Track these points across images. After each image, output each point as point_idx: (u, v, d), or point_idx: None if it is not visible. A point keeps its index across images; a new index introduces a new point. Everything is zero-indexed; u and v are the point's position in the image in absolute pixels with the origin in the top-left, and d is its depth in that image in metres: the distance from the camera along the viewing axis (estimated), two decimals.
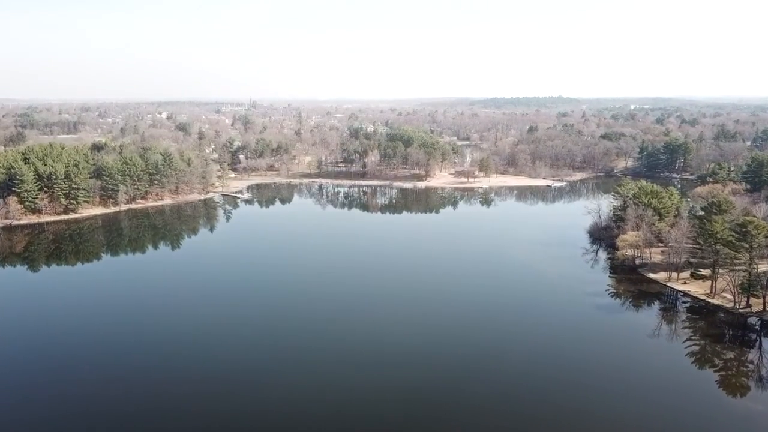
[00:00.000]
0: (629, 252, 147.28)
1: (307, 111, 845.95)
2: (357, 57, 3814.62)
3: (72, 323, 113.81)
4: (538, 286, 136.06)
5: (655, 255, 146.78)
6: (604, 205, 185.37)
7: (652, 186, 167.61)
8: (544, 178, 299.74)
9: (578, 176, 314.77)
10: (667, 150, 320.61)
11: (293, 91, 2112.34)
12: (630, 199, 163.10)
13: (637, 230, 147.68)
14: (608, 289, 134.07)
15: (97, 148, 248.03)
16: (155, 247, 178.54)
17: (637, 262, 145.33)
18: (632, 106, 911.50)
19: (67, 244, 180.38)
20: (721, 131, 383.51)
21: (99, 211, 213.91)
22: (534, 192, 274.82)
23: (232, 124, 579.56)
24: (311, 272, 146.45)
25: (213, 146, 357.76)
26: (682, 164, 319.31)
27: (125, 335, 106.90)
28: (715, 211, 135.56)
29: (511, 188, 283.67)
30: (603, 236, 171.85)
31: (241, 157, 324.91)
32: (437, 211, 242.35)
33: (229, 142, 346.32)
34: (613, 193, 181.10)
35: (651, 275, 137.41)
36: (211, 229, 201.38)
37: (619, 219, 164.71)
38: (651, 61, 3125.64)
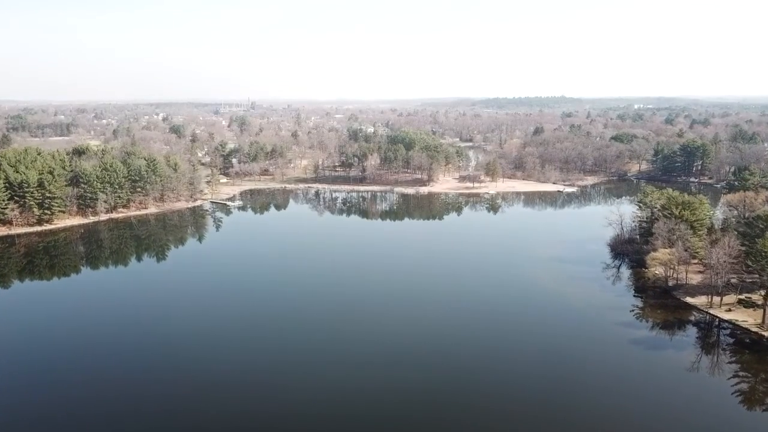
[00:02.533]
0: (660, 271, 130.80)
1: (307, 112, 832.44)
2: (357, 57, 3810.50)
3: (49, 337, 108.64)
4: (559, 312, 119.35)
5: (691, 275, 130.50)
6: (626, 214, 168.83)
7: (683, 195, 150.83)
8: (554, 183, 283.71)
9: (590, 180, 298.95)
10: (683, 152, 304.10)
11: (293, 91, 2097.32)
12: (658, 210, 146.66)
13: (670, 246, 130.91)
14: (636, 314, 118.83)
15: (78, 152, 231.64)
16: (139, 259, 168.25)
17: (671, 283, 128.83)
18: (636, 106, 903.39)
19: (41, 258, 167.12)
20: (738, 132, 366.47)
21: (76, 221, 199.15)
22: (544, 198, 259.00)
23: (228, 126, 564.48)
24: (306, 282, 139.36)
25: (206, 149, 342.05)
26: (699, 167, 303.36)
27: (109, 346, 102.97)
28: (761, 225, 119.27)
29: (519, 194, 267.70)
30: (626, 251, 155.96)
31: (234, 161, 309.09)
32: (441, 218, 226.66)
33: (221, 145, 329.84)
34: (637, 203, 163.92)
35: (688, 299, 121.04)
36: (200, 239, 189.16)
37: (646, 233, 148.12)
38: (652, 61, 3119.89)
